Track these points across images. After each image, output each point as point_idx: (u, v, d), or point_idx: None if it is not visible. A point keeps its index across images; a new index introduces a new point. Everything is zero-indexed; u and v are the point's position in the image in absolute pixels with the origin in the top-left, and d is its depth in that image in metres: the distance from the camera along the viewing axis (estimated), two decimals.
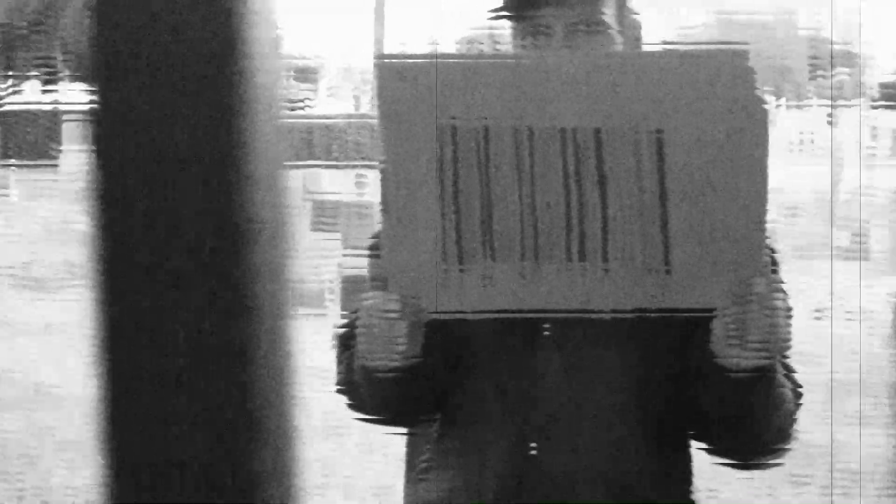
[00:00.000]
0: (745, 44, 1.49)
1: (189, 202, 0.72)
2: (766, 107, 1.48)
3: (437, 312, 1.54)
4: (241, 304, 0.73)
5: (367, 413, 1.74)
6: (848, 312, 9.53)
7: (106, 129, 0.73)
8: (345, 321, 1.75)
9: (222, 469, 0.73)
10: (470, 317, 1.54)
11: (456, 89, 1.50)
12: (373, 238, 1.75)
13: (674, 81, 1.48)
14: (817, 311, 9.54)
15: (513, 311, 1.54)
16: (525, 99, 1.50)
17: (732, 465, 1.70)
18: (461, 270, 1.52)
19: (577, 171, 1.50)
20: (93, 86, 0.73)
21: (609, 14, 1.66)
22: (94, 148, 0.73)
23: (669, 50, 1.52)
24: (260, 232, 0.74)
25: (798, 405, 1.67)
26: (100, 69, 0.72)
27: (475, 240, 1.51)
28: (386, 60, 1.51)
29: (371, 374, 1.61)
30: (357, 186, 19.18)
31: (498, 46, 1.70)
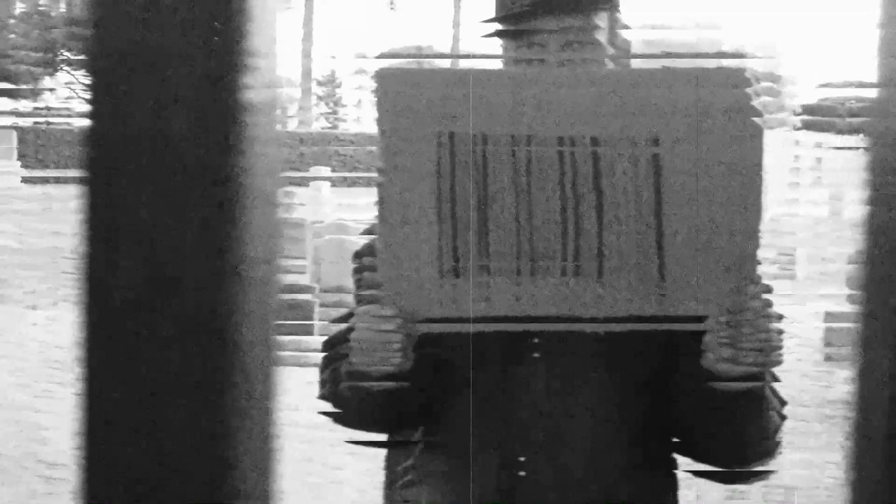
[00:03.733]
0: (743, 58, 1.50)
1: (183, 216, 0.71)
2: (761, 118, 1.49)
3: (431, 321, 1.53)
4: (231, 316, 0.72)
5: (350, 422, 1.73)
6: None
7: (99, 143, 0.71)
8: (334, 330, 1.73)
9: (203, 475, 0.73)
10: (463, 328, 1.53)
11: (455, 99, 1.49)
12: (360, 253, 1.74)
13: (672, 94, 1.49)
14: None
15: (508, 321, 1.53)
16: (524, 111, 1.49)
17: (718, 479, 1.71)
18: (454, 283, 1.51)
19: (574, 183, 1.50)
20: (89, 97, 0.71)
21: (602, 32, 1.67)
22: (87, 160, 0.71)
23: (668, 64, 1.52)
24: (251, 245, 0.73)
25: (783, 419, 1.68)
26: (97, 82, 0.71)
27: (471, 251, 1.51)
28: (386, 69, 1.50)
29: (360, 384, 1.60)
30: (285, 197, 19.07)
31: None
